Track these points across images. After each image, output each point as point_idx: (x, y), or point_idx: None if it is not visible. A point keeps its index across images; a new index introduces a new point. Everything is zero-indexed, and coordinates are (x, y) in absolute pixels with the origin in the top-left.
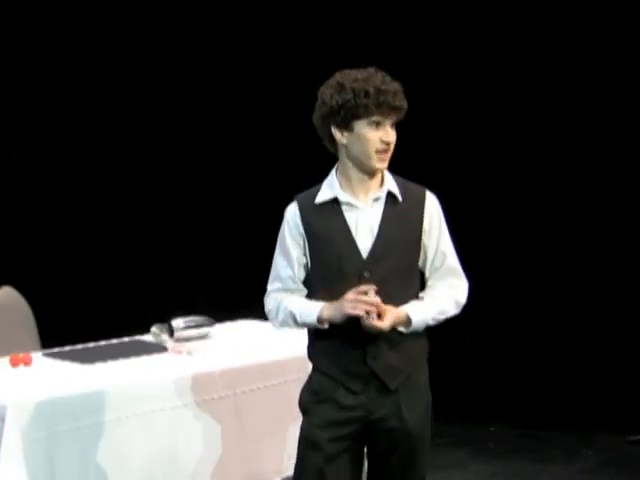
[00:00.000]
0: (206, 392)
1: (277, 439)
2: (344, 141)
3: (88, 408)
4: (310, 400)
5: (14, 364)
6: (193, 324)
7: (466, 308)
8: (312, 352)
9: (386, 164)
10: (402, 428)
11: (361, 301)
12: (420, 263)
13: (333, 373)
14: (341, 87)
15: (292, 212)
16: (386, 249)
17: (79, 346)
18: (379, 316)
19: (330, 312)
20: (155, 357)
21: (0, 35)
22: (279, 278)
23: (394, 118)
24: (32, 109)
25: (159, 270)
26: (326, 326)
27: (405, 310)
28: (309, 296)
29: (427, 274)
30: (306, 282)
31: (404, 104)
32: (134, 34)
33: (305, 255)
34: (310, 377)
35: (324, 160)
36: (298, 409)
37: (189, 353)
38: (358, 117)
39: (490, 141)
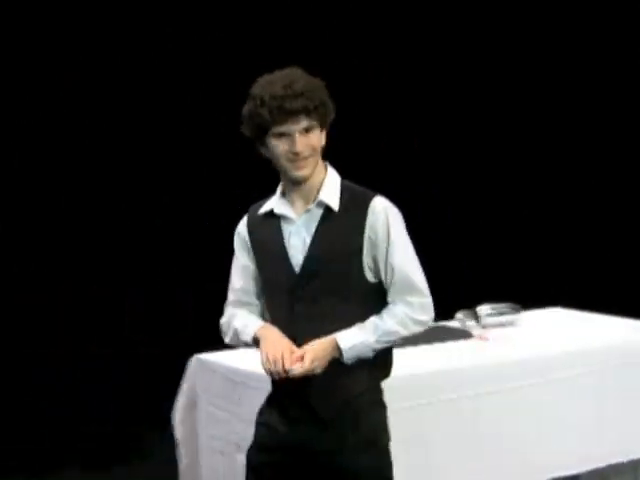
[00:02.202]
0: (511, 380)
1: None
2: (266, 154)
3: (394, 393)
4: (256, 419)
5: None
6: (499, 311)
7: None
8: None
9: (306, 171)
10: (337, 467)
11: (272, 364)
12: (374, 279)
13: (274, 395)
14: (249, 97)
15: (242, 223)
16: (318, 265)
17: None
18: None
19: (262, 338)
20: (460, 343)
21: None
22: (232, 290)
23: (305, 123)
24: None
25: (466, 256)
26: (257, 348)
27: (334, 338)
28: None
29: (387, 291)
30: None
31: (309, 104)
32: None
33: (254, 267)
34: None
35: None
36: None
37: (495, 340)
38: (265, 130)
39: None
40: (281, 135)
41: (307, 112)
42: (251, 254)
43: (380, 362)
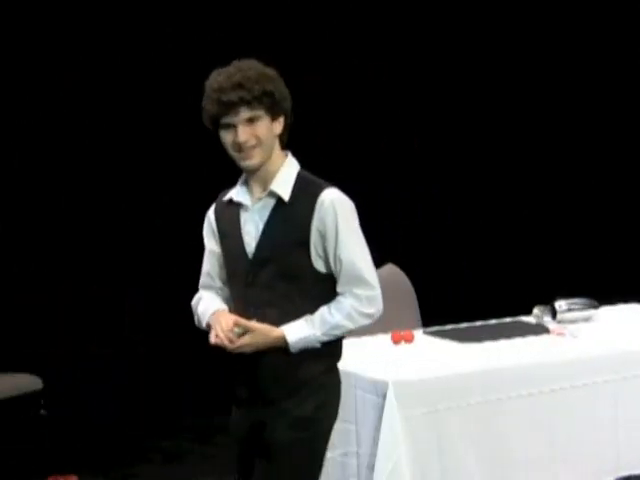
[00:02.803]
0: (586, 376)
1: None
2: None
3: (469, 387)
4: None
5: (396, 341)
6: (576, 306)
7: None
8: None
9: (254, 160)
10: (268, 444)
11: (220, 334)
12: (324, 270)
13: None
14: (204, 90)
15: (211, 208)
16: (269, 253)
17: (461, 325)
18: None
19: (212, 323)
20: (536, 338)
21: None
22: (203, 274)
23: (246, 114)
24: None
25: (546, 250)
26: None
27: (282, 330)
28: None
29: (337, 281)
30: None
31: (246, 95)
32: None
33: (220, 252)
34: None
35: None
36: None
37: (572, 335)
38: (215, 122)
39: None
40: (227, 126)
41: (247, 103)
42: (217, 239)
43: (330, 349)
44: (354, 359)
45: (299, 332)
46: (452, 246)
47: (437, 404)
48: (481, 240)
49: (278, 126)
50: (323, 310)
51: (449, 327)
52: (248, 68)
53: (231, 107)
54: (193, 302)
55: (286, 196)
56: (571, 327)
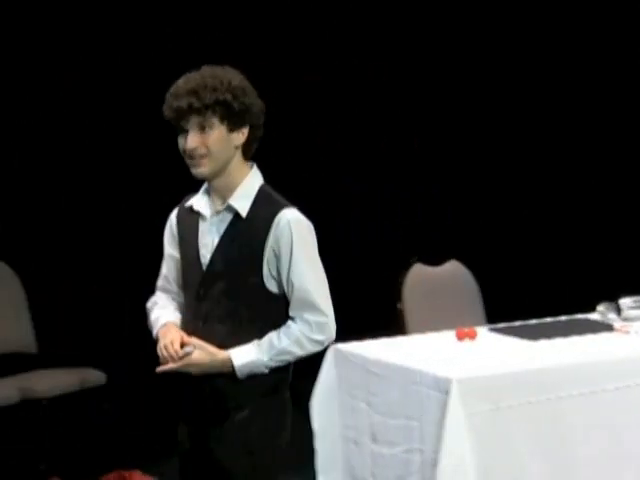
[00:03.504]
0: None
1: None
2: None
3: (533, 385)
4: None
5: (459, 337)
6: None
7: None
8: None
9: (203, 169)
10: (211, 463)
11: (165, 352)
12: (278, 290)
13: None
14: None
15: (173, 212)
16: (222, 268)
17: (524, 322)
18: None
19: (160, 335)
20: (600, 336)
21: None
22: (160, 277)
23: (195, 121)
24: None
25: (610, 247)
26: None
27: (229, 353)
28: None
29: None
30: None
31: (196, 102)
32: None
33: (178, 257)
34: None
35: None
36: None
37: (637, 333)
38: (175, 126)
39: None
40: (181, 131)
41: (196, 111)
42: (176, 244)
43: (276, 374)
44: (418, 355)
45: (246, 356)
46: (517, 243)
47: (501, 401)
48: (546, 237)
49: (239, 137)
50: (272, 335)
51: (513, 324)
52: (210, 75)
53: (181, 113)
54: (148, 305)
55: (244, 212)
56: (636, 324)
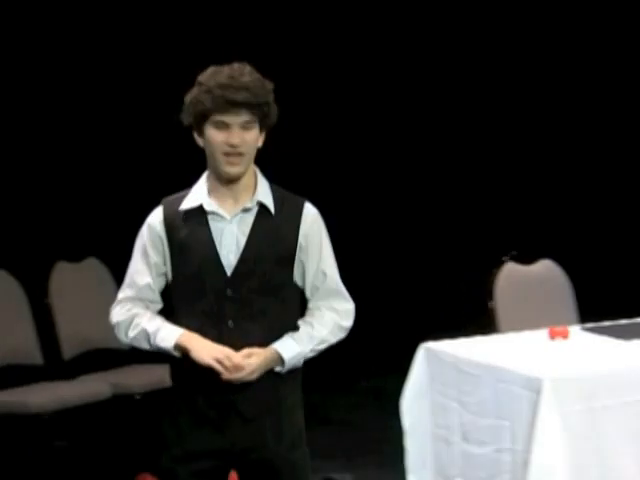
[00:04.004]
0: None
1: None
2: (201, 144)
3: (627, 385)
4: (171, 432)
5: (552, 336)
6: None
7: None
8: (176, 376)
9: (238, 168)
10: (269, 458)
11: (223, 365)
12: (299, 282)
13: (197, 401)
14: (195, 84)
15: (156, 217)
16: (252, 266)
17: (618, 322)
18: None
19: (189, 345)
20: None
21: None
22: (135, 286)
23: (245, 117)
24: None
25: None
26: (178, 355)
27: (276, 349)
28: (165, 310)
29: (308, 295)
30: (163, 294)
31: (252, 99)
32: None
33: (165, 264)
34: (174, 405)
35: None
36: None
37: None
38: (205, 117)
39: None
40: (220, 125)
41: (250, 106)
42: (166, 252)
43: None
44: (509, 355)
45: (292, 349)
46: (610, 241)
47: (594, 401)
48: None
49: (261, 139)
50: (305, 326)
51: (606, 324)
52: (250, 72)
53: (234, 106)
54: (120, 317)
55: (272, 208)
56: None
